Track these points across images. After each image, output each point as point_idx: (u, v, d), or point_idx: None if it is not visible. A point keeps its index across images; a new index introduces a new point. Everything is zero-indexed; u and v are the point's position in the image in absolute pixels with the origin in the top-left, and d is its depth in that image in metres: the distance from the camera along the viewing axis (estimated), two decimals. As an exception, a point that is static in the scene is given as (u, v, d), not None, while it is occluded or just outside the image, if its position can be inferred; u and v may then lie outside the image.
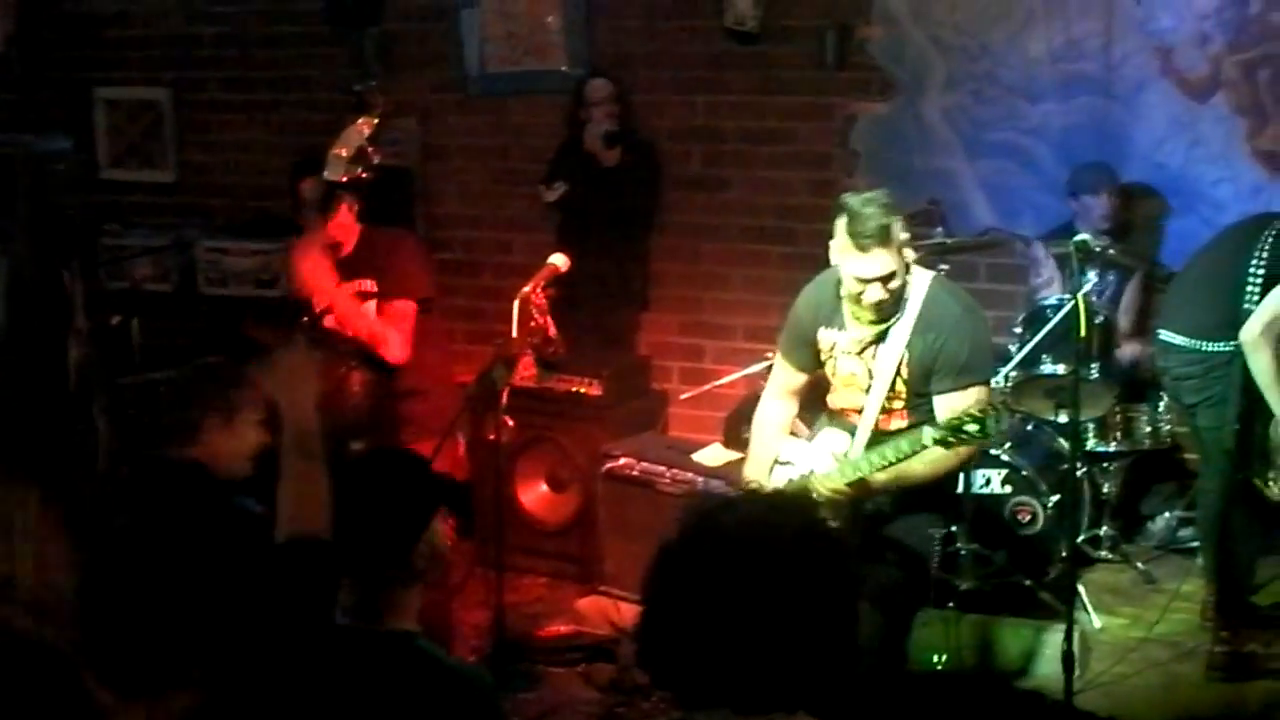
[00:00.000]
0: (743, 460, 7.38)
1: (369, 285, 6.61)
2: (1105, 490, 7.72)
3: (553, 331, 6.65)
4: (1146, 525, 8.03)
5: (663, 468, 7.46)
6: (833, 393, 5.69)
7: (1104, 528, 7.71)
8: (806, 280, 5.72)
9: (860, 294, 5.32)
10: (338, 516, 3.74)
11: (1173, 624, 7.01)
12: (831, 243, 5.41)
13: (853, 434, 5.54)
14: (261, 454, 4.70)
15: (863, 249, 5.23)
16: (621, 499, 7.53)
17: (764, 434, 5.86)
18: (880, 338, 5.43)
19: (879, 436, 5.47)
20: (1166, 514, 7.96)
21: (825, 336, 5.60)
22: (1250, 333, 6.36)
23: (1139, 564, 7.60)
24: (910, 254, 5.40)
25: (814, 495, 5.38)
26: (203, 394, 4.70)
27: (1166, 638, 6.90)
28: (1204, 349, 6.55)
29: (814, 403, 5.92)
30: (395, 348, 6.53)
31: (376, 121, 6.58)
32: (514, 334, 6.57)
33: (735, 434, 8.12)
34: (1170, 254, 8.01)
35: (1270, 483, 6.65)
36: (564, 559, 8.03)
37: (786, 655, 2.49)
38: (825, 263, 5.50)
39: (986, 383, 5.55)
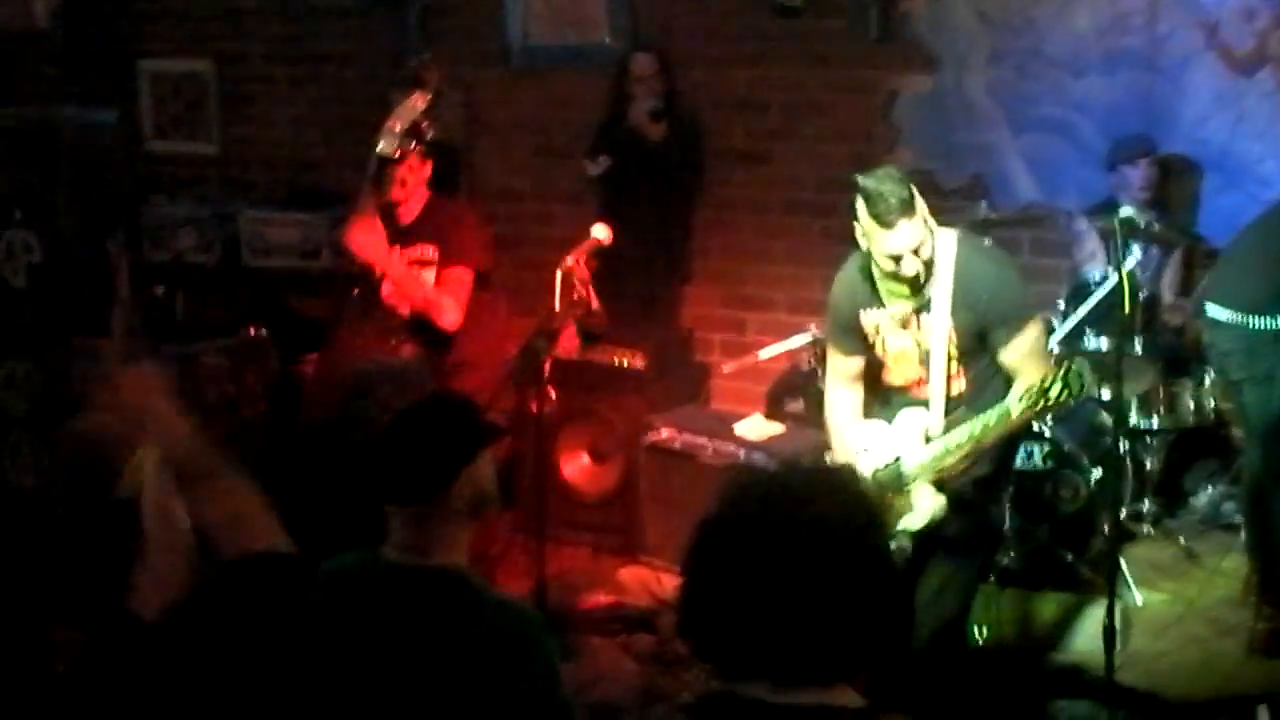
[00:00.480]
0: (784, 434, 7.43)
1: (430, 253, 6.65)
2: (1148, 465, 7.71)
3: (595, 304, 6.66)
4: (1189, 501, 8.00)
5: (704, 440, 7.47)
6: (887, 371, 5.67)
7: (1146, 503, 7.69)
8: (848, 254, 5.70)
9: (895, 271, 5.31)
10: (383, 449, 3.76)
11: (1214, 600, 7.00)
12: (856, 225, 5.40)
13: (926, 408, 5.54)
14: None
15: (889, 225, 5.20)
16: (663, 471, 7.55)
17: (840, 424, 5.80)
18: (922, 307, 5.42)
19: (950, 404, 5.46)
20: (1209, 489, 7.94)
21: (867, 318, 5.58)
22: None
23: (1181, 540, 7.58)
24: (931, 218, 5.37)
25: (911, 481, 5.42)
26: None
27: (1208, 614, 6.89)
28: (1251, 325, 6.53)
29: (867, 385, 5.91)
30: (450, 313, 6.58)
31: (431, 97, 6.61)
32: (556, 306, 6.58)
33: (777, 406, 8.13)
34: (1214, 229, 7.96)
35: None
36: (605, 530, 8.05)
37: (827, 628, 2.50)
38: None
39: (1036, 313, 5.53)
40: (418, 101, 6.58)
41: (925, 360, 5.48)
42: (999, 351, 5.41)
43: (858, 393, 5.80)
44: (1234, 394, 6.89)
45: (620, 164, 8.69)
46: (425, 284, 6.58)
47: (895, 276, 5.33)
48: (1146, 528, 7.66)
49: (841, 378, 5.80)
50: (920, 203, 5.27)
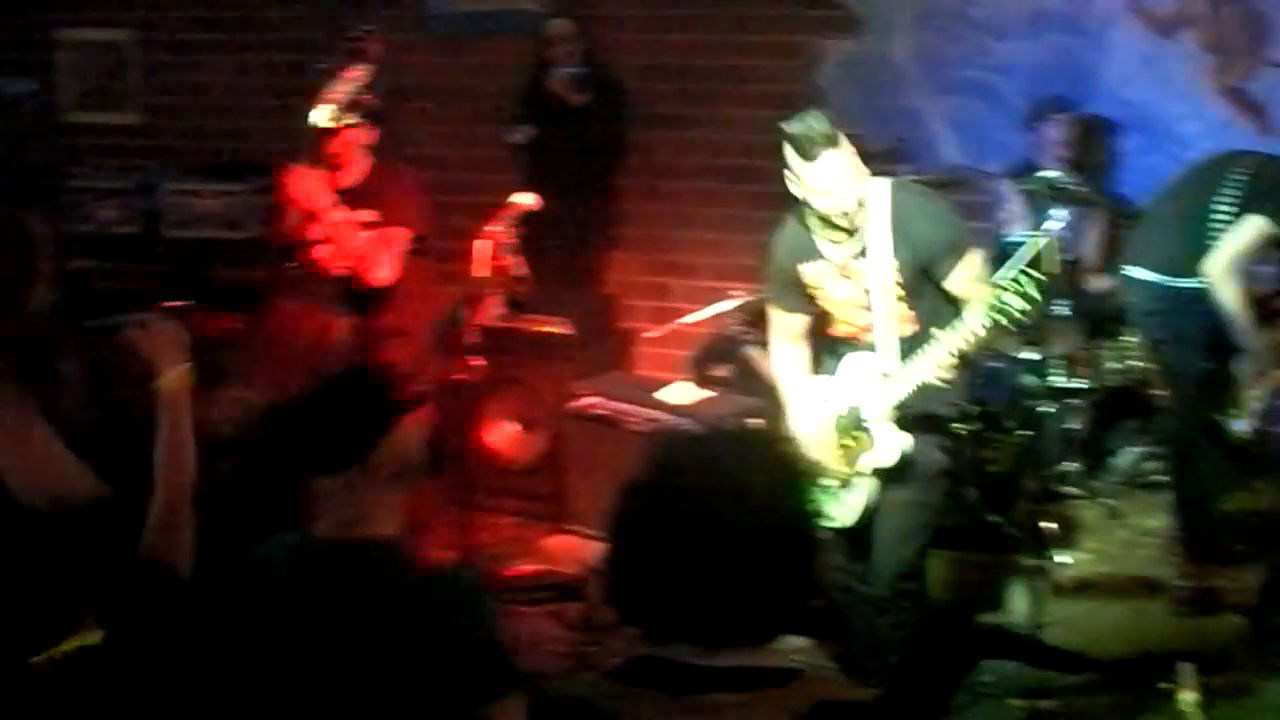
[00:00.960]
0: (710, 399, 7.42)
1: (369, 217, 6.62)
2: (1072, 426, 7.74)
3: (520, 271, 6.64)
4: (1113, 461, 8.04)
5: (630, 406, 7.47)
6: (833, 324, 5.67)
7: (1070, 463, 7.72)
8: (773, 219, 5.71)
9: (828, 211, 5.32)
10: (301, 418, 3.73)
11: (1138, 559, 7.05)
12: (786, 174, 5.40)
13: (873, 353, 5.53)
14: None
15: (812, 158, 5.23)
16: (589, 438, 7.53)
17: (789, 380, 5.81)
18: (860, 252, 5.42)
19: (902, 345, 5.46)
20: (1132, 449, 7.98)
21: (806, 270, 5.58)
22: (1216, 265, 6.40)
23: (1105, 499, 7.63)
24: (859, 161, 5.38)
25: (872, 421, 5.44)
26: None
27: (1132, 573, 6.93)
28: (1171, 285, 6.58)
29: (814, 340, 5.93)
30: (383, 270, 6.55)
31: (372, 69, 6.57)
32: (481, 274, 6.56)
33: (702, 372, 8.13)
34: (1136, 190, 8.01)
35: (1235, 419, 6.68)
36: (532, 498, 8.04)
37: (751, 590, 2.50)
38: (792, 200, 5.48)
39: (973, 242, 5.56)
40: (358, 73, 6.54)
41: (870, 306, 5.49)
42: (945, 281, 5.44)
43: (804, 349, 5.81)
44: (1156, 354, 6.94)
45: (542, 131, 8.66)
46: (360, 236, 6.53)
47: (829, 221, 5.35)
48: (1071, 488, 7.69)
49: (787, 335, 5.82)
50: (846, 141, 5.28)
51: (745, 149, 8.97)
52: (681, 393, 7.53)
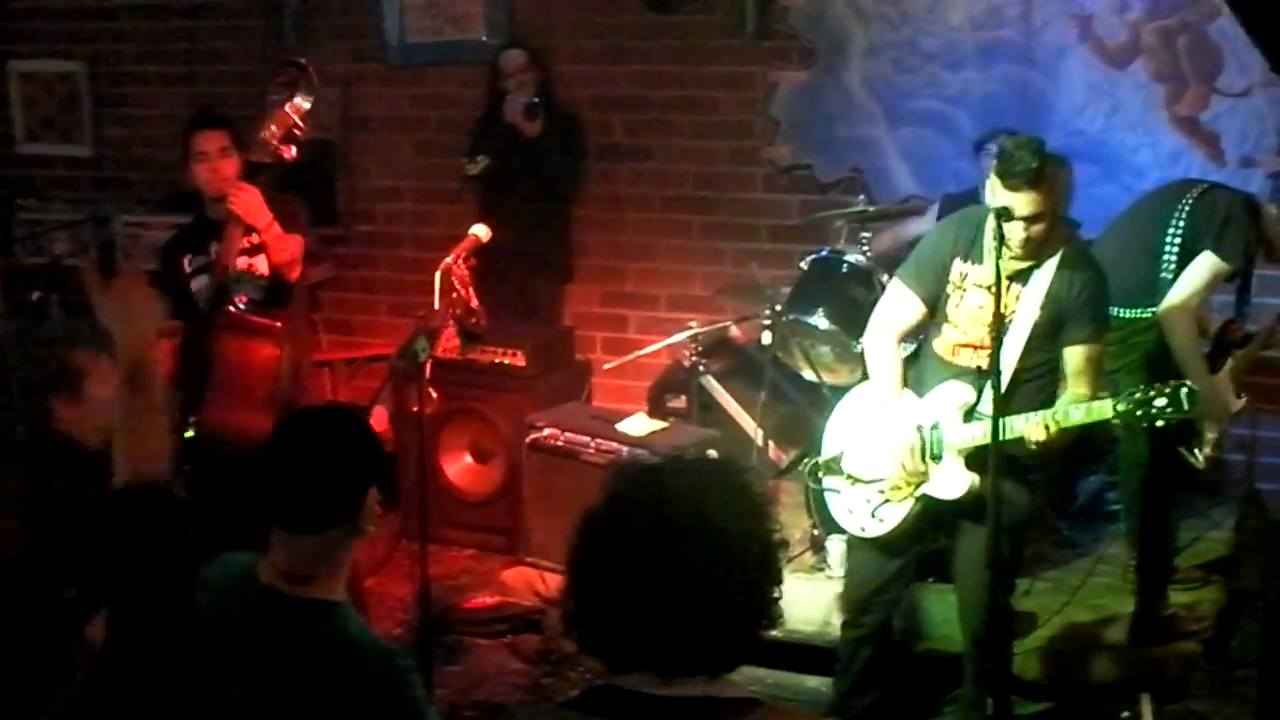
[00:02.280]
0: (665, 429, 7.41)
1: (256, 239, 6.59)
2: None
3: (475, 303, 6.62)
4: (1070, 490, 8.05)
5: (587, 438, 7.45)
6: (952, 326, 5.64)
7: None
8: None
9: (1007, 236, 5.32)
10: (286, 469, 3.66)
11: (1095, 587, 7.05)
12: (986, 182, 5.47)
13: (969, 382, 5.55)
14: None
15: (1011, 188, 5.24)
16: (546, 469, 7.51)
17: (884, 374, 5.75)
18: (1019, 277, 5.42)
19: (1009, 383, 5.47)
20: (1090, 479, 8.00)
21: (958, 266, 5.58)
22: (1170, 307, 6.44)
23: (1062, 528, 7.64)
24: (1058, 206, 5.42)
25: (948, 450, 5.49)
26: (45, 373, 4.60)
27: (1090, 602, 6.94)
28: (1123, 315, 6.60)
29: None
30: (298, 267, 6.54)
31: (312, 99, 6.55)
32: (436, 306, 6.54)
33: (659, 403, 8.12)
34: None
35: (1195, 451, 6.70)
36: (489, 530, 8.02)
37: (710, 619, 2.50)
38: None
39: (1107, 336, 5.62)
40: (299, 102, 6.50)
41: (994, 328, 5.48)
42: (1062, 344, 5.48)
43: (899, 354, 5.80)
44: (1109, 384, 6.95)
45: (498, 161, 8.64)
46: (292, 241, 6.50)
47: (1003, 239, 5.34)
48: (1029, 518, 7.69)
49: (893, 324, 5.77)
50: (1054, 182, 5.33)
51: (701, 180, 8.99)
52: (639, 424, 7.52)
